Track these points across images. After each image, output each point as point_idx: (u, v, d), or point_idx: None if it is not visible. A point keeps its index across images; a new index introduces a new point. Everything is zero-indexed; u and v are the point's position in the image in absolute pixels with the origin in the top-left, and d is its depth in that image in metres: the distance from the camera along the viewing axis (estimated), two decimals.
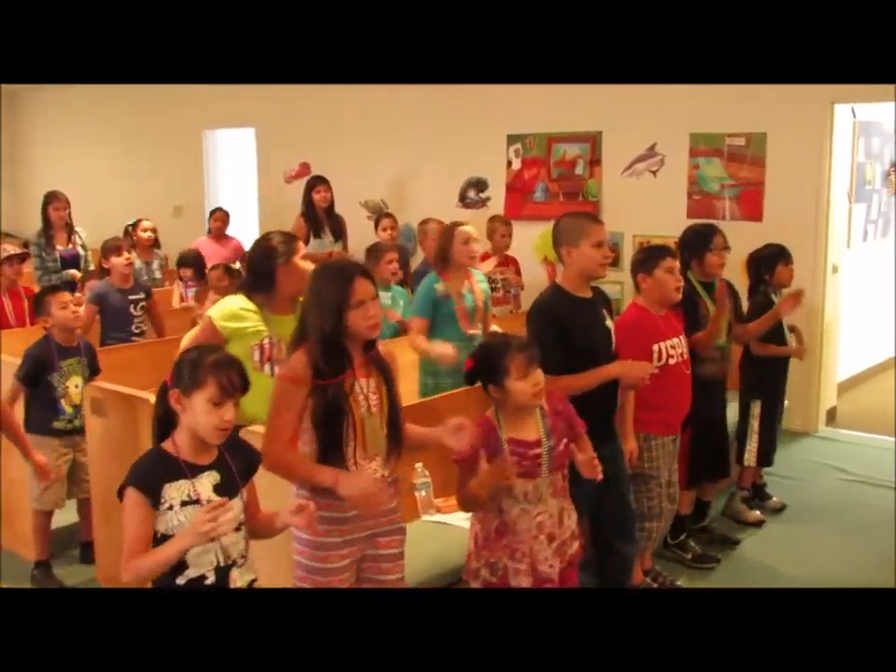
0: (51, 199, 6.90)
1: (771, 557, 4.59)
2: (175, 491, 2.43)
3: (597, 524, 3.68)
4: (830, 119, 6.27)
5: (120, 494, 2.45)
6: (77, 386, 4.41)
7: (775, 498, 5.24)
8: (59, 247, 6.80)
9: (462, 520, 3.72)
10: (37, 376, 4.33)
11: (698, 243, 4.53)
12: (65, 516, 4.73)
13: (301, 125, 9.26)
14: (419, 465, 3.73)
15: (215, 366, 2.45)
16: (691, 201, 6.86)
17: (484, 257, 6.41)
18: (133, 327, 5.73)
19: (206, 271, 6.53)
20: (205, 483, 2.48)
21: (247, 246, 8.41)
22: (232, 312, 3.68)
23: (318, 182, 7.34)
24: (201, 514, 2.34)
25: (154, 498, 2.41)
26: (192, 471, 2.47)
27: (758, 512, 5.04)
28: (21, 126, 12.87)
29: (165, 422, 2.53)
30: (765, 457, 5.07)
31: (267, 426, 2.78)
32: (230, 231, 8.34)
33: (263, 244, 3.82)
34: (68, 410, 4.40)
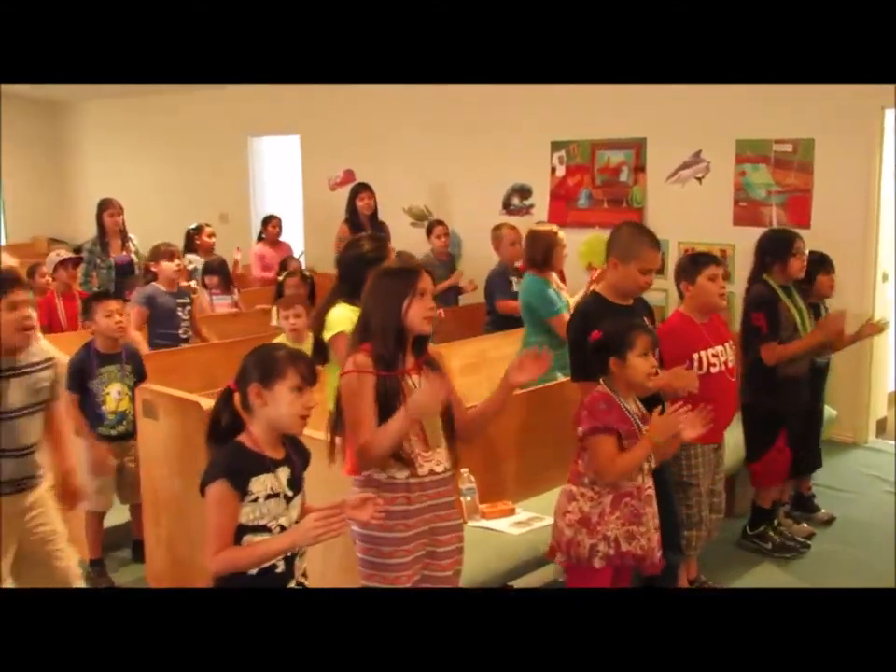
0: (106, 206, 6.98)
1: (818, 570, 4.53)
2: (259, 484, 2.48)
3: None
4: (880, 123, 6.19)
5: (203, 487, 2.48)
6: (118, 393, 4.46)
7: (823, 511, 5.18)
8: (113, 254, 6.89)
9: (508, 526, 3.75)
10: (80, 383, 4.41)
11: (781, 248, 4.56)
12: (119, 515, 4.80)
13: (345, 132, 9.32)
14: (465, 470, 3.75)
15: (292, 357, 2.56)
16: (737, 207, 6.81)
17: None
18: (181, 331, 5.84)
19: (280, 279, 6.60)
20: (281, 477, 2.55)
21: (295, 249, 8.58)
22: (351, 319, 3.57)
23: (362, 189, 7.39)
24: (314, 520, 2.38)
25: (243, 491, 2.46)
26: (272, 465, 2.53)
27: (806, 525, 4.98)
28: (71, 137, 13.09)
29: (227, 426, 2.57)
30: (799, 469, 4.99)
31: (349, 427, 2.84)
32: None
33: (354, 250, 3.89)
34: (110, 416, 4.45)
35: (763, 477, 4.64)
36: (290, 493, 2.56)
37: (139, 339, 5.57)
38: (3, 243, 12.04)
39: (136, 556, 4.70)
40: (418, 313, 2.82)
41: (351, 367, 2.81)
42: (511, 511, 3.88)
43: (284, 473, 2.56)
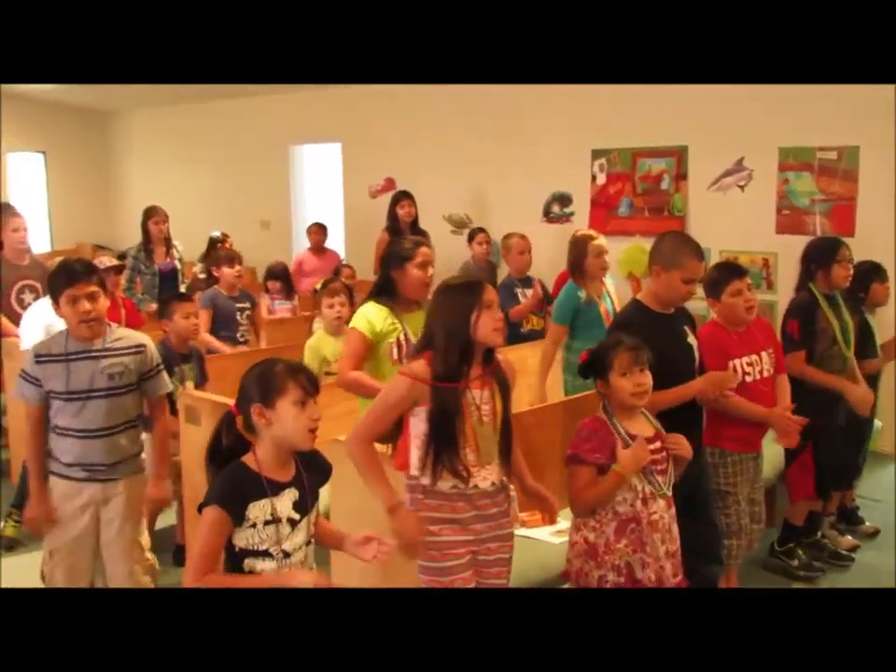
0: (151, 213, 7.07)
1: (862, 583, 4.47)
2: (258, 510, 2.44)
3: (682, 541, 3.64)
4: None
5: (201, 508, 2.45)
6: (188, 390, 4.56)
7: (867, 523, 5.11)
8: (157, 261, 6.97)
9: (548, 534, 3.74)
10: None
11: (825, 256, 4.51)
12: (164, 519, 4.88)
13: (386, 140, 9.37)
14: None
15: (289, 370, 2.50)
16: (780, 216, 6.76)
17: (566, 273, 6.41)
18: (239, 334, 5.99)
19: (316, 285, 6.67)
20: (286, 501, 2.50)
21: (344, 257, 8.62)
22: (368, 317, 3.82)
23: (403, 197, 7.42)
24: (305, 573, 2.44)
25: (238, 517, 2.42)
26: (274, 489, 2.48)
27: (850, 537, 4.91)
28: (116, 145, 13.27)
29: (229, 448, 2.54)
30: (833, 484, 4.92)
31: (366, 415, 2.90)
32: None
33: (385, 250, 4.02)
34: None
35: (790, 491, 4.60)
36: (296, 516, 2.51)
37: (211, 340, 5.74)
38: (49, 249, 12.21)
39: (177, 561, 4.74)
40: (488, 325, 2.82)
41: (408, 371, 2.83)
42: (552, 521, 3.86)
43: (289, 496, 2.51)
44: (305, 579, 2.44)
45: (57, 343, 3.45)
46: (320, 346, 4.87)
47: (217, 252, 7.62)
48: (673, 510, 3.21)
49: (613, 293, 5.23)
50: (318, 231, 8.29)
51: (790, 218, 6.71)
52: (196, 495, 4.25)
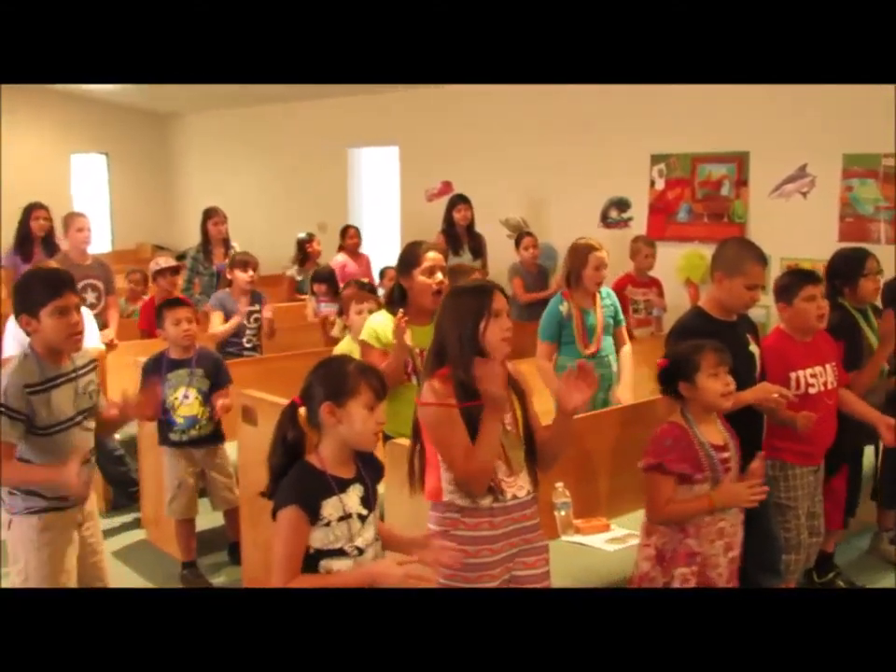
0: (211, 214, 7.12)
1: None
2: (331, 507, 2.42)
3: (742, 553, 3.59)
4: None
5: (275, 512, 2.43)
6: (185, 396, 4.46)
7: None
8: (215, 262, 7.03)
9: (602, 542, 3.71)
10: None
11: (851, 268, 4.35)
12: (215, 517, 4.91)
13: (443, 143, 9.38)
14: (559, 484, 3.72)
15: (363, 372, 2.48)
16: (843, 223, 6.64)
17: (626, 278, 6.38)
18: (245, 339, 5.78)
19: (341, 287, 6.70)
20: (353, 497, 2.49)
21: (379, 262, 8.66)
22: (375, 328, 3.80)
23: (459, 201, 7.41)
24: (395, 569, 2.40)
25: (314, 515, 2.41)
26: (341, 486, 2.47)
27: None
28: (176, 147, 13.46)
29: (293, 442, 2.51)
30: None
31: (441, 453, 2.72)
32: (374, 249, 8.53)
33: (398, 257, 3.93)
34: (179, 421, 4.46)
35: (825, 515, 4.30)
36: (364, 511, 2.50)
37: (215, 332, 5.64)
38: (110, 249, 12.43)
39: (233, 559, 4.79)
40: (495, 334, 2.71)
41: (431, 398, 2.70)
42: (606, 528, 3.84)
43: (356, 492, 2.50)
44: (394, 573, 2.41)
45: (29, 371, 3.05)
46: (352, 349, 4.83)
47: (303, 253, 7.73)
48: (743, 516, 3.24)
49: (602, 305, 4.89)
50: (356, 233, 8.31)
51: (853, 226, 6.59)
52: (252, 494, 4.29)
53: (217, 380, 4.58)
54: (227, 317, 5.74)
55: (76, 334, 3.10)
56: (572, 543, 3.70)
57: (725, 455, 3.17)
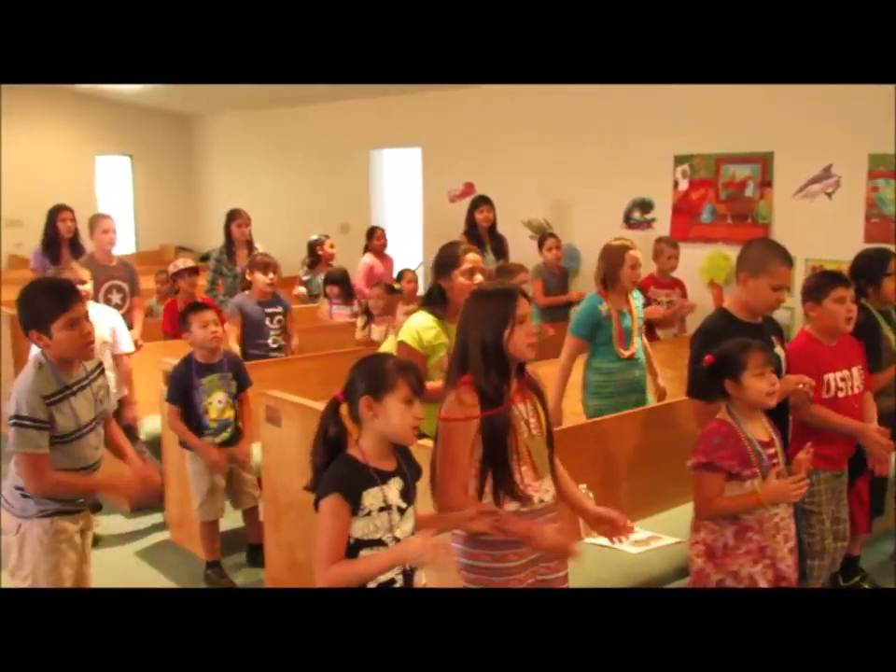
0: (235, 216, 7.14)
1: None
2: (372, 498, 2.47)
3: None
4: None
5: (317, 502, 2.48)
6: (219, 402, 4.51)
7: None
8: (239, 263, 7.04)
9: (627, 544, 3.68)
10: (182, 395, 4.47)
11: (875, 268, 4.34)
12: (236, 519, 4.93)
13: (466, 145, 9.39)
14: (583, 486, 3.70)
15: (401, 368, 2.54)
16: (868, 224, 6.58)
17: (649, 279, 6.35)
18: (271, 340, 5.79)
19: (368, 289, 6.71)
20: (393, 489, 2.53)
21: (401, 262, 8.68)
22: (416, 329, 3.81)
23: (482, 202, 7.41)
24: (425, 549, 2.40)
25: (355, 504, 2.45)
26: (382, 477, 2.52)
27: None
28: (199, 148, 13.54)
29: (334, 436, 2.55)
30: None
31: (445, 469, 2.72)
32: (396, 250, 8.54)
33: (435, 258, 3.92)
34: (212, 425, 4.50)
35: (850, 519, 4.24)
36: (403, 504, 2.54)
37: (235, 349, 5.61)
38: (134, 250, 12.50)
39: (251, 561, 4.81)
40: (521, 339, 2.70)
41: (456, 407, 2.69)
42: (630, 529, 3.81)
43: (396, 485, 2.54)
44: (414, 543, 2.45)
45: (46, 381, 3.04)
46: (395, 350, 4.85)
47: (314, 256, 7.75)
48: (792, 508, 3.28)
49: (635, 306, 4.87)
50: (383, 235, 8.30)
51: (879, 227, 6.53)
52: (275, 494, 4.32)
53: (242, 384, 4.64)
54: (247, 320, 5.76)
55: (88, 343, 3.10)
56: (595, 545, 3.68)
57: (771, 450, 3.20)
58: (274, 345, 5.82)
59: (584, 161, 8.33)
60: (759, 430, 3.23)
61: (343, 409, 2.57)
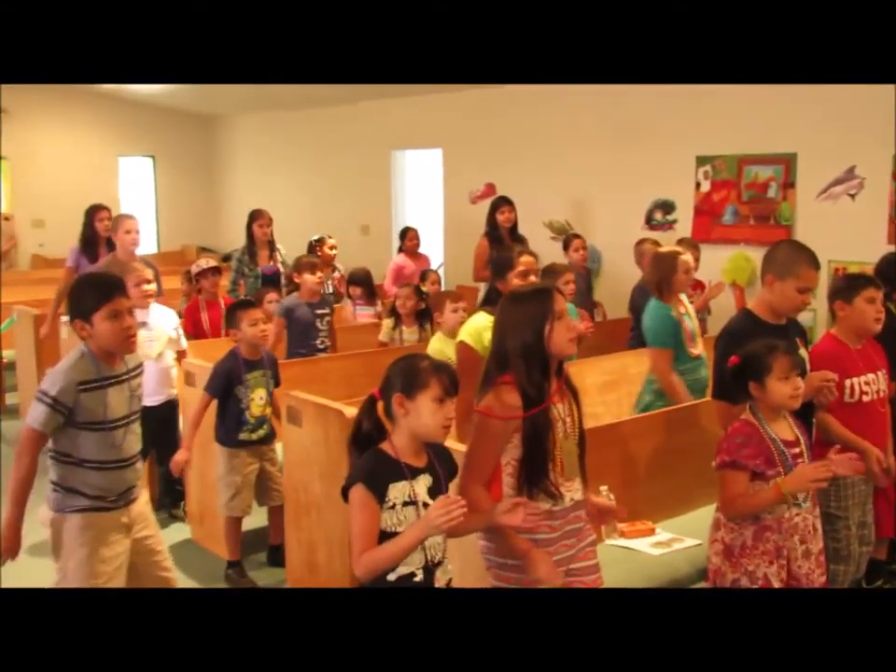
0: (257, 216, 7.15)
1: None
2: (397, 491, 2.52)
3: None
4: None
5: (345, 493, 2.54)
6: (261, 399, 4.57)
7: None
8: (261, 264, 7.07)
9: (648, 546, 3.69)
10: (226, 389, 4.52)
11: None
12: (255, 519, 4.94)
13: (487, 146, 9.38)
14: (604, 488, 3.68)
15: (435, 368, 2.59)
16: (892, 225, 6.52)
17: None
18: (318, 341, 5.89)
19: (397, 289, 6.70)
20: (421, 485, 2.58)
21: (433, 262, 8.69)
22: (477, 329, 3.85)
23: (503, 203, 7.39)
24: (436, 508, 2.43)
25: (380, 496, 2.50)
26: (411, 473, 2.57)
27: None
28: (222, 150, 13.60)
29: (368, 432, 2.62)
30: None
31: (469, 463, 2.78)
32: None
33: (491, 259, 4.02)
34: (251, 421, 4.55)
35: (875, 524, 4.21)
36: (431, 501, 2.55)
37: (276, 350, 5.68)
38: (156, 251, 12.57)
39: (272, 561, 4.83)
40: (561, 335, 2.73)
41: (496, 405, 2.72)
42: (651, 532, 3.81)
43: (425, 481, 2.59)
44: (433, 514, 2.44)
45: (85, 369, 3.14)
46: (444, 348, 4.82)
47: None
48: (818, 510, 3.26)
49: (692, 311, 4.96)
50: (415, 235, 8.33)
51: None
52: (297, 493, 4.33)
53: (277, 381, 4.72)
54: (297, 322, 5.82)
55: (129, 337, 3.17)
56: (617, 547, 3.68)
57: (797, 449, 3.18)
58: (321, 346, 5.91)
59: (606, 162, 8.31)
60: (783, 430, 3.21)
61: (380, 406, 2.63)
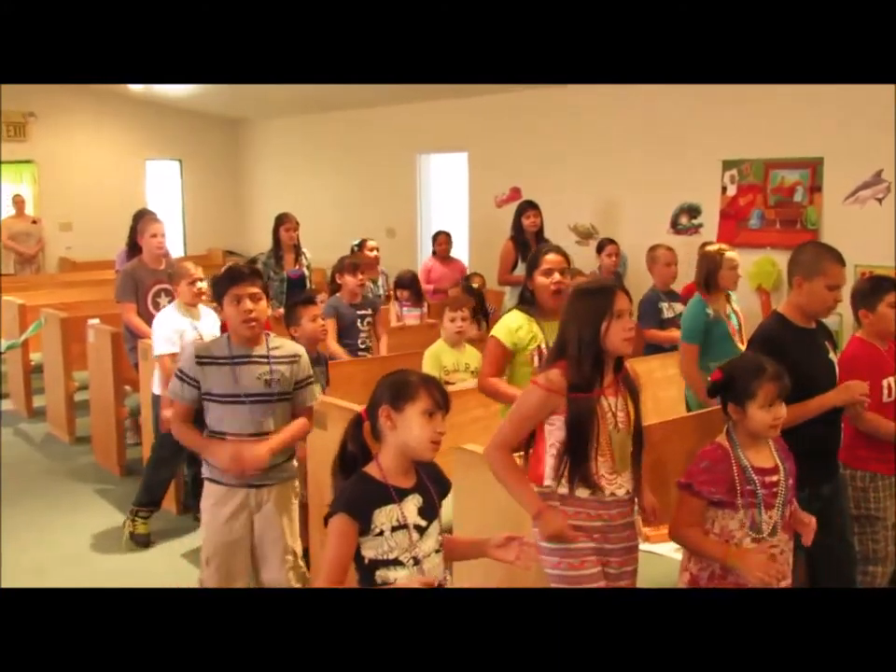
0: (283, 220, 7.21)
1: None
2: (384, 517, 2.44)
3: (814, 566, 3.53)
4: None
5: (326, 521, 2.46)
6: (319, 395, 4.58)
7: None
8: (286, 268, 7.11)
9: (672, 551, 3.67)
10: None
11: None
12: None
13: (512, 150, 9.38)
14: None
15: (424, 380, 2.53)
16: None
17: (691, 286, 6.29)
18: (360, 341, 5.97)
19: (448, 292, 6.74)
20: (410, 507, 2.49)
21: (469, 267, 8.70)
22: (509, 326, 3.91)
23: (528, 207, 7.40)
24: (414, 580, 2.40)
25: (365, 525, 2.42)
26: (399, 495, 2.48)
27: None
28: (249, 153, 13.67)
29: (353, 455, 2.55)
30: None
31: (503, 424, 2.93)
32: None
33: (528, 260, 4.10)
34: None
35: None
36: (423, 523, 2.50)
37: (335, 349, 5.75)
38: (183, 254, 12.64)
39: None
40: (617, 334, 2.81)
41: (543, 381, 2.83)
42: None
43: (414, 502, 2.50)
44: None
45: (219, 345, 3.54)
46: (440, 355, 4.91)
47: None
48: (793, 543, 3.02)
49: (738, 309, 5.09)
50: (446, 240, 8.38)
51: None
52: (320, 498, 4.33)
53: (328, 382, 4.81)
54: (341, 322, 5.92)
55: (248, 321, 3.46)
56: (641, 551, 3.66)
57: (774, 477, 2.92)
58: (362, 346, 5.99)
59: (631, 166, 8.30)
60: (761, 457, 2.96)
61: (366, 427, 2.55)
